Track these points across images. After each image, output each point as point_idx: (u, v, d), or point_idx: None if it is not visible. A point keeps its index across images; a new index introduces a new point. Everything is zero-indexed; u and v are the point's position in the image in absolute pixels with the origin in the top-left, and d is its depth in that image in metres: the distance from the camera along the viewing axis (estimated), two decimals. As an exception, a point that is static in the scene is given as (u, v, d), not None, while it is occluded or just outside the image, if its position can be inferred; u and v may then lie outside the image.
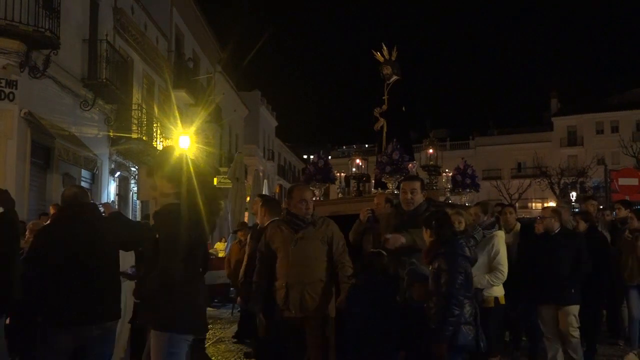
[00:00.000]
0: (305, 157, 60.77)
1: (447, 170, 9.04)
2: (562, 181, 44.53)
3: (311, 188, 8.99)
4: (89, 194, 4.83)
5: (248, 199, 14.92)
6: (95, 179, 16.52)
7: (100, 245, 4.28)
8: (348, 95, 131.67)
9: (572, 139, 56.62)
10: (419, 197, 5.28)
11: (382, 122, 9.18)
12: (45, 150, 13.47)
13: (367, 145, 40.45)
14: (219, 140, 30.64)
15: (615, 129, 52.64)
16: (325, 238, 5.15)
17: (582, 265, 6.39)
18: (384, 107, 9.20)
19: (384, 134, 9.12)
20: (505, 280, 6.21)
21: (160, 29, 22.37)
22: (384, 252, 5.00)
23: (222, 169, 28.84)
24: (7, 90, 12.18)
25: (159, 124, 21.05)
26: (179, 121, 22.66)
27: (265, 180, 41.20)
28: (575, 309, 6.34)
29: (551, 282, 6.31)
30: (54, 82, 13.88)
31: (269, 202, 6.40)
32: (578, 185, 43.29)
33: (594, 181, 43.20)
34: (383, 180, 8.14)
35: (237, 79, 37.07)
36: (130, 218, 17.52)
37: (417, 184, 5.35)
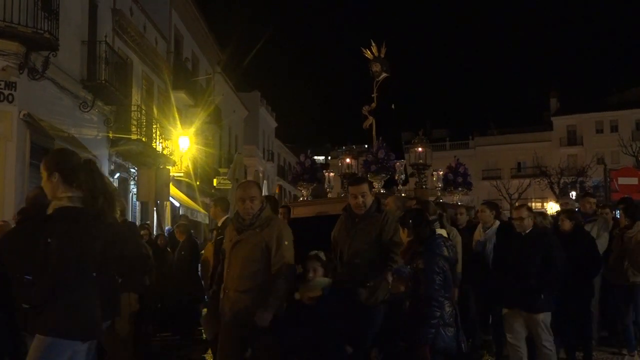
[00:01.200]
0: (305, 157, 60.58)
1: (439, 169, 8.99)
2: (561, 181, 44.55)
3: (298, 188, 8.98)
4: None
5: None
6: (94, 181, 16.49)
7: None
8: (348, 96, 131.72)
9: (572, 139, 56.66)
10: (370, 199, 5.13)
11: (370, 120, 9.15)
12: (44, 152, 13.44)
13: (366, 146, 40.46)
14: (218, 141, 30.63)
15: (614, 128, 52.70)
16: (263, 242, 4.66)
17: (553, 267, 5.85)
18: (373, 105, 9.17)
19: (373, 132, 9.09)
20: (484, 281, 6.09)
21: (160, 30, 22.36)
22: (323, 256, 4.81)
23: (222, 170, 28.89)
24: (6, 92, 12.17)
25: (158, 125, 21.03)
26: (178, 122, 22.68)
27: (265, 181, 41.23)
28: (545, 317, 5.83)
29: (518, 285, 5.84)
30: (53, 83, 13.88)
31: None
32: (578, 185, 43.29)
33: (593, 180, 43.20)
34: (370, 179, 8.09)
35: (237, 80, 37.10)
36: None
37: (366, 187, 5.21)
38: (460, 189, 8.88)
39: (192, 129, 23.33)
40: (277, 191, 44.62)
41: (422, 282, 4.26)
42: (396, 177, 8.35)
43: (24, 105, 12.53)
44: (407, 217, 4.61)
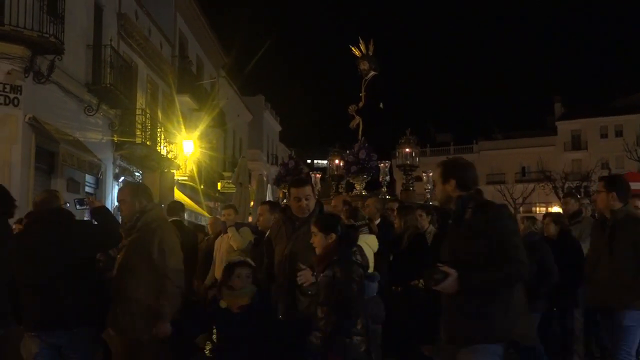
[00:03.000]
0: (309, 161, 60.71)
1: (429, 170, 8.87)
2: (566, 185, 44.39)
3: (281, 190, 8.74)
4: (60, 197, 4.73)
5: (252, 203, 14.92)
6: (99, 184, 16.54)
7: (67, 249, 4.25)
8: (352, 100, 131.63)
9: (576, 143, 56.56)
10: (313, 202, 4.79)
11: (357, 120, 9.02)
12: (49, 155, 13.49)
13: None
14: (222, 144, 30.67)
15: (619, 133, 52.58)
16: (145, 248, 4.41)
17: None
18: (360, 104, 9.04)
19: (360, 132, 8.94)
20: None
21: (164, 34, 22.42)
22: (251, 262, 4.52)
23: (226, 174, 28.88)
24: (11, 96, 12.20)
25: (162, 129, 21.06)
26: (182, 126, 22.72)
27: (269, 185, 41.16)
28: None
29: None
30: (58, 87, 13.92)
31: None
32: (582, 190, 43.17)
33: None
34: (350, 180, 7.91)
35: (241, 84, 37.11)
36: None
37: (309, 189, 4.81)
38: None
39: (196, 133, 23.36)
40: (281, 195, 44.57)
41: (339, 290, 4.06)
42: (380, 179, 8.14)
43: (29, 109, 12.57)
44: (332, 222, 4.36)
